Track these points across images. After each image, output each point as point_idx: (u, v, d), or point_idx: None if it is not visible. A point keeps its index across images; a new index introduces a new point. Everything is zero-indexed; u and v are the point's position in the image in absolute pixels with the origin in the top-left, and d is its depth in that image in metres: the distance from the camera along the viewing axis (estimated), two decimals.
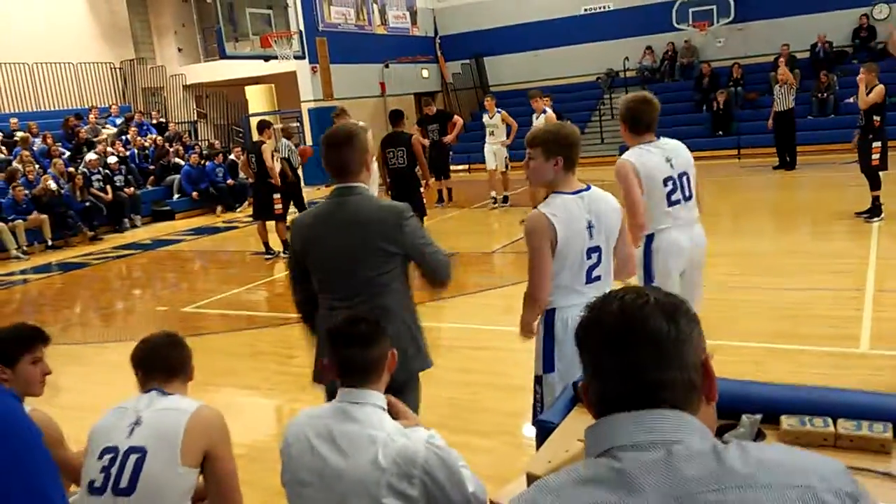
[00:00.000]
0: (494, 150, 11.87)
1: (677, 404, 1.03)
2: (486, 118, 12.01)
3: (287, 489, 2.01)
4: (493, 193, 12.19)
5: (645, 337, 1.03)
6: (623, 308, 1.06)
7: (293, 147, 10.28)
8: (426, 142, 11.51)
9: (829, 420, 1.83)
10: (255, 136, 9.82)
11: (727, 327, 5.07)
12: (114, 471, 2.15)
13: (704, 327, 1.10)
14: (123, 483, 2.13)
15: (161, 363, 2.37)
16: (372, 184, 8.61)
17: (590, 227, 2.79)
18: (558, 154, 2.78)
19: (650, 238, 3.67)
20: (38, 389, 2.52)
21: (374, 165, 8.94)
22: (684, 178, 3.67)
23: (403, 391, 2.53)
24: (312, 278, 2.78)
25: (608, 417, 1.05)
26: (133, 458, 2.15)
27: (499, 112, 11.86)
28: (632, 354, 1.04)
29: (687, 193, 3.68)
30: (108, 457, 2.18)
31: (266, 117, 12.85)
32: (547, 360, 2.88)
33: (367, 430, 1.90)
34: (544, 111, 10.46)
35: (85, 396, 5.07)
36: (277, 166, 9.25)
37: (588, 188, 2.86)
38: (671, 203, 3.64)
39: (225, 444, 2.28)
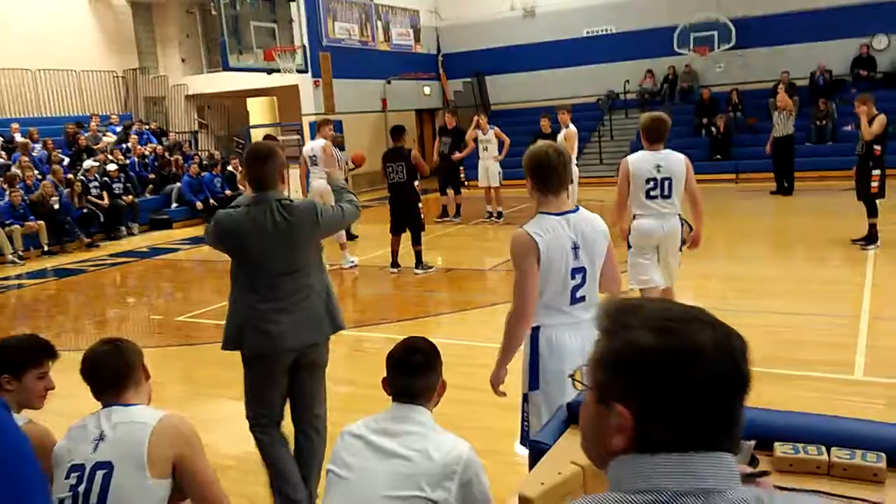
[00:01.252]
0: (487, 165, 12.05)
1: (731, 448, 0.98)
2: (479, 134, 12.13)
3: (332, 476, 2.17)
4: (489, 209, 12.31)
5: (747, 378, 0.97)
6: (717, 336, 0.98)
7: (340, 155, 10.59)
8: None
9: (823, 448, 1.81)
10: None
11: None
12: (82, 488, 2.11)
13: None
14: (93, 500, 2.09)
15: (107, 375, 2.30)
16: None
17: (575, 247, 2.80)
18: (529, 177, 2.87)
19: (633, 218, 5.08)
20: (39, 403, 2.49)
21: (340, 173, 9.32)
22: (666, 182, 4.89)
23: (319, 348, 3.34)
24: (237, 269, 3.26)
25: (662, 457, 0.95)
26: (100, 473, 2.12)
27: (492, 128, 12.09)
28: (736, 401, 0.97)
29: (665, 193, 4.91)
30: (74, 475, 2.14)
31: (269, 130, 12.91)
32: (532, 377, 2.89)
33: (421, 430, 2.14)
34: (567, 126, 10.55)
35: (76, 402, 5.03)
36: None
37: (576, 210, 2.88)
38: (648, 197, 4.94)
39: (194, 450, 2.22)
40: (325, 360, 3.45)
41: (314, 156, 9.52)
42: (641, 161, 4.93)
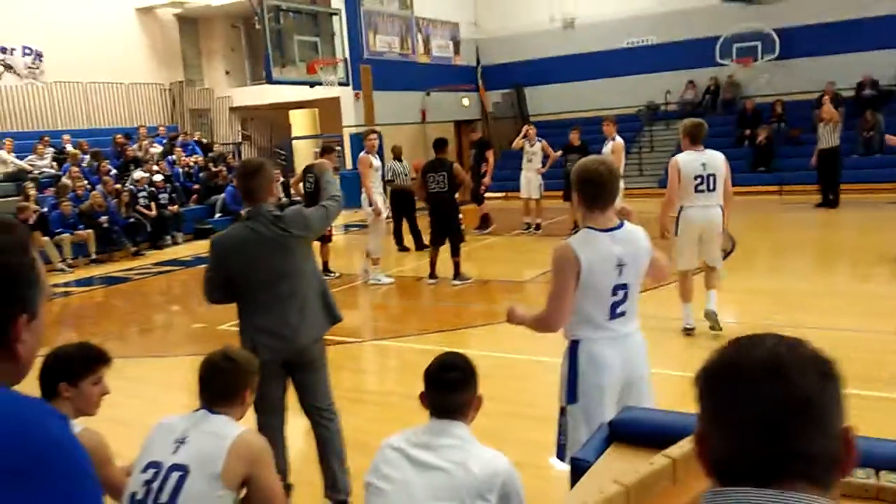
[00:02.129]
0: (530, 177, 12.03)
1: (817, 481, 0.90)
2: (526, 145, 12.12)
3: (372, 488, 2.21)
4: (527, 220, 12.30)
5: (795, 392, 0.90)
6: (776, 356, 0.93)
7: (400, 168, 10.70)
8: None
9: (872, 472, 1.77)
10: (315, 158, 10.23)
11: None
12: (155, 485, 2.22)
13: None
14: (164, 498, 2.20)
15: (220, 387, 2.45)
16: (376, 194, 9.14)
17: (620, 264, 2.79)
18: (578, 191, 2.86)
19: (681, 209, 5.86)
20: (94, 409, 2.57)
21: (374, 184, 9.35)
22: (711, 178, 5.74)
23: (317, 344, 3.49)
24: (237, 282, 3.39)
25: (740, 491, 0.91)
26: (175, 475, 2.22)
27: (539, 141, 12.03)
28: (778, 412, 0.90)
29: (711, 187, 5.73)
30: (151, 471, 2.25)
31: (308, 140, 13.10)
32: (570, 391, 2.88)
33: (460, 443, 2.18)
34: (613, 138, 10.31)
35: (118, 410, 5.14)
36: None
37: (621, 225, 2.86)
38: (697, 191, 5.75)
39: (266, 470, 2.35)
40: (320, 355, 3.57)
41: None
42: (689, 160, 5.74)
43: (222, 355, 2.49)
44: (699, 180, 5.71)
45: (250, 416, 3.50)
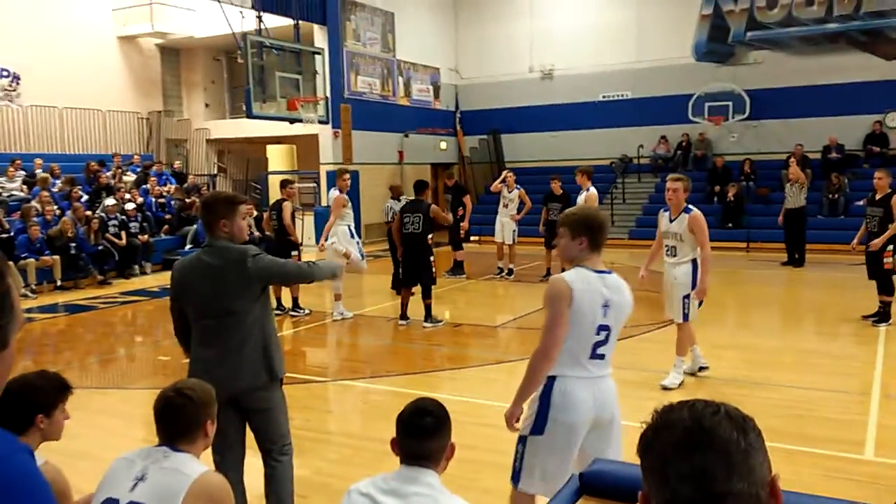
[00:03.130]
0: (504, 222, 12.14)
1: None
2: (504, 190, 12.26)
3: None
4: (500, 265, 12.38)
5: (714, 444, 1.02)
6: (693, 414, 1.06)
7: (399, 207, 10.63)
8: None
9: None
10: (278, 194, 10.13)
11: None
12: None
13: None
14: None
15: (179, 424, 2.38)
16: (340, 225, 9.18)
17: (605, 305, 2.94)
18: (583, 235, 2.99)
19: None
20: (60, 436, 2.53)
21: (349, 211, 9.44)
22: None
23: (259, 393, 3.36)
24: (185, 309, 3.39)
25: None
26: None
27: (518, 188, 12.17)
28: (700, 460, 1.01)
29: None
30: None
31: (287, 176, 13.13)
32: (539, 421, 2.96)
33: (429, 491, 2.15)
34: (587, 189, 10.38)
35: (77, 442, 5.01)
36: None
37: (610, 272, 3.05)
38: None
39: None
40: (272, 404, 3.45)
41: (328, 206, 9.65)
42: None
43: (176, 391, 2.41)
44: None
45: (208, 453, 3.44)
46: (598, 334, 2.94)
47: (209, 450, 3.34)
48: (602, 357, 2.99)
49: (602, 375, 3.01)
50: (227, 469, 3.29)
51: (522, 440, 3.02)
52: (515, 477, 3.04)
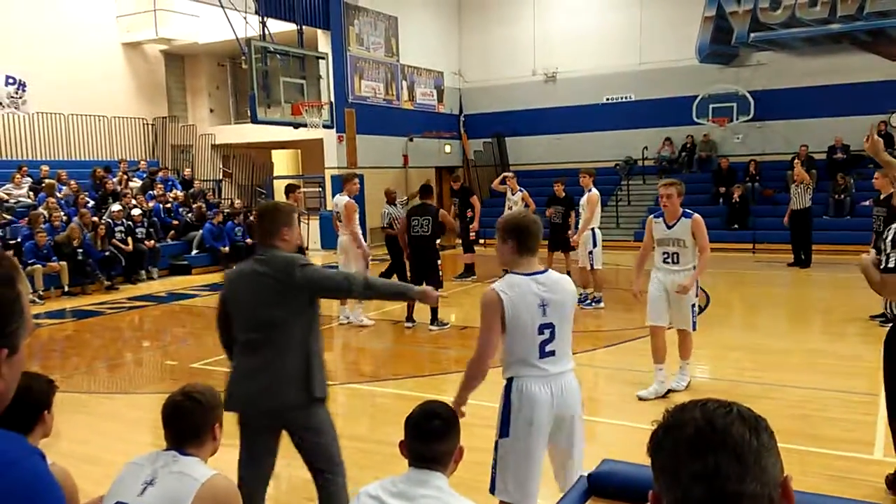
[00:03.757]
0: None
1: None
2: (508, 193, 12.28)
3: None
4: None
5: (727, 443, 1.01)
6: (705, 413, 1.05)
7: (396, 213, 10.60)
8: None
9: None
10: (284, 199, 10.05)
11: None
12: None
13: None
14: None
15: (187, 428, 2.40)
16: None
17: (542, 304, 3.01)
18: (512, 239, 3.09)
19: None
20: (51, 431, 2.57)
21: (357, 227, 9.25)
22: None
23: (299, 411, 3.20)
24: (234, 321, 3.30)
25: None
26: None
27: (521, 190, 12.18)
28: (712, 460, 1.00)
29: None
30: None
31: (292, 181, 13.15)
32: (504, 424, 3.07)
33: (438, 494, 2.16)
34: (589, 190, 10.20)
35: (86, 447, 5.04)
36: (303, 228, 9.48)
37: (545, 271, 3.11)
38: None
39: None
40: (312, 424, 3.28)
41: (338, 212, 9.46)
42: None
43: (184, 395, 2.43)
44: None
45: (224, 461, 3.44)
46: (541, 333, 3.01)
47: (235, 462, 3.35)
48: (553, 353, 3.05)
49: (560, 372, 3.06)
50: (248, 484, 3.23)
51: (495, 446, 3.11)
52: (492, 485, 3.12)
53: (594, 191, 10.30)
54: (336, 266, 9.15)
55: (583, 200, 10.14)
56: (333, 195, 17.44)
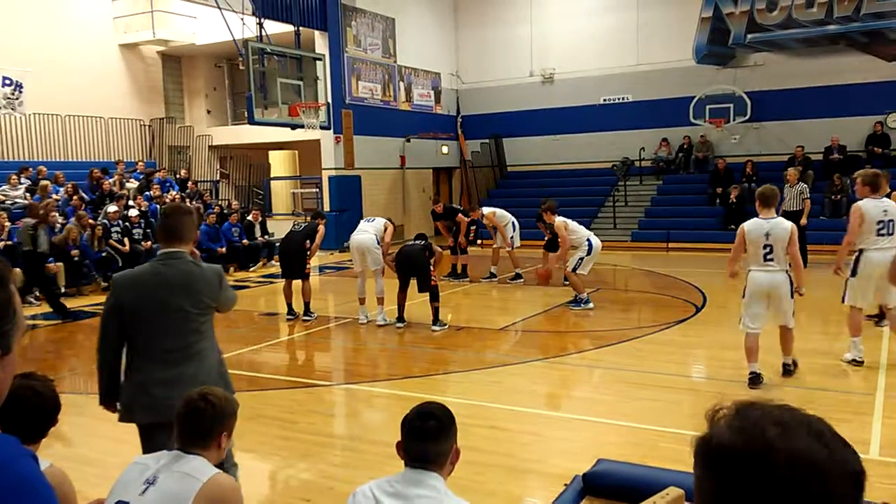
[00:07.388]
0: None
1: None
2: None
3: None
4: (493, 270, 12.47)
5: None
6: (796, 448, 0.97)
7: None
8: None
9: None
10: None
11: None
12: None
13: None
14: None
15: (198, 431, 2.41)
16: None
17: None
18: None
19: (861, 252, 6.65)
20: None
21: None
22: (891, 223, 6.50)
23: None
24: (132, 331, 3.26)
25: None
26: None
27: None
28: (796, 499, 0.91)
29: (891, 231, 6.49)
30: None
31: (287, 182, 13.13)
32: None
33: (434, 494, 2.16)
34: (553, 223, 10.09)
35: (81, 448, 5.02)
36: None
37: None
38: (878, 234, 6.51)
39: None
40: None
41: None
42: (871, 206, 6.53)
43: (201, 396, 2.44)
44: (881, 225, 6.46)
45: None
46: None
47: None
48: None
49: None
50: None
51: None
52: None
53: (558, 220, 10.00)
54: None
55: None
56: (331, 196, 17.55)
